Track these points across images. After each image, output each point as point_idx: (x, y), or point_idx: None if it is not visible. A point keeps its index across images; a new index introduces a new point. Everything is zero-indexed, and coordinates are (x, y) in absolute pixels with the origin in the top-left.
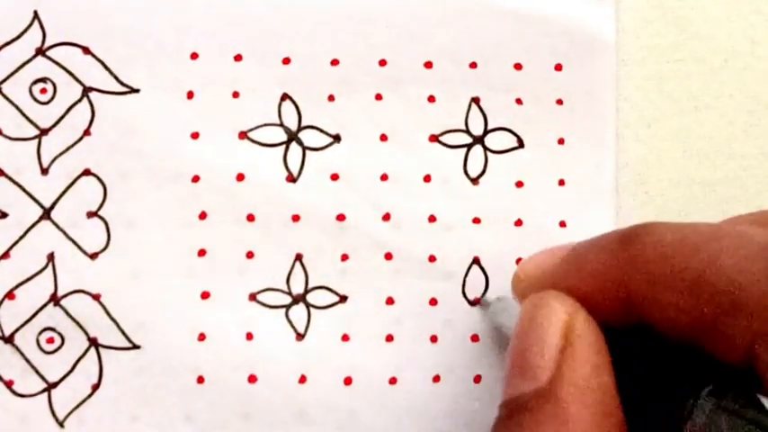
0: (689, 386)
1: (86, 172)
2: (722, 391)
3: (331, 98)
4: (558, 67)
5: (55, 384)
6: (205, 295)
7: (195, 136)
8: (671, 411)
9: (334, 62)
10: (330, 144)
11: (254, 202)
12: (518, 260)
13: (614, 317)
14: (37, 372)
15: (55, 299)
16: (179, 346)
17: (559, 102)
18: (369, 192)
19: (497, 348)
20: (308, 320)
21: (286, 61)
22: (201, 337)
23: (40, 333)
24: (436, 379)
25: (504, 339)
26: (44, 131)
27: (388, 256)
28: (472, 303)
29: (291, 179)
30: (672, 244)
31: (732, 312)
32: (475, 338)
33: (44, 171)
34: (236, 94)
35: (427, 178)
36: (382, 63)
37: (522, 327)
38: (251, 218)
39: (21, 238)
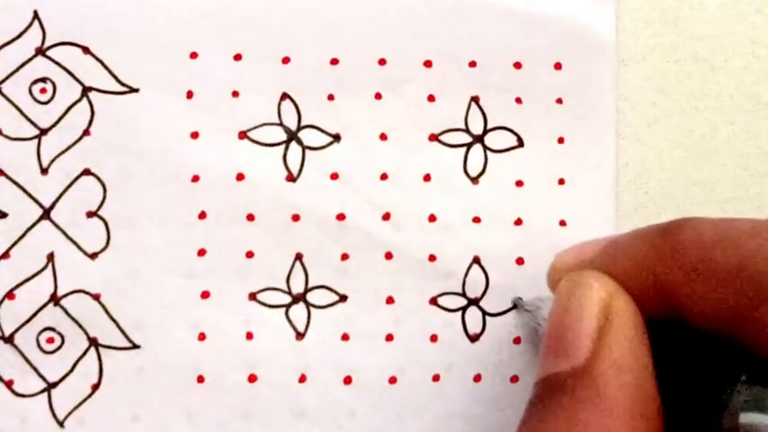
0: (724, 377)
1: (86, 172)
2: (757, 381)
3: (331, 98)
4: (558, 67)
5: (55, 384)
6: (205, 295)
7: (195, 136)
8: (707, 402)
9: (334, 62)
10: (330, 144)
11: (254, 201)
12: (518, 260)
13: (650, 308)
14: (37, 372)
15: (55, 299)
16: (179, 346)
17: (559, 101)
18: (369, 191)
19: (533, 349)
20: (308, 320)
21: (286, 61)
22: (201, 336)
23: (40, 333)
24: (436, 378)
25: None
26: (44, 131)
27: (388, 256)
28: (471, 302)
29: (291, 179)
30: (711, 237)
31: (765, 299)
32: (475, 338)
33: (44, 171)
34: (235, 94)
35: (427, 178)
36: (382, 62)
37: (560, 305)
38: (251, 218)
39: (20, 238)
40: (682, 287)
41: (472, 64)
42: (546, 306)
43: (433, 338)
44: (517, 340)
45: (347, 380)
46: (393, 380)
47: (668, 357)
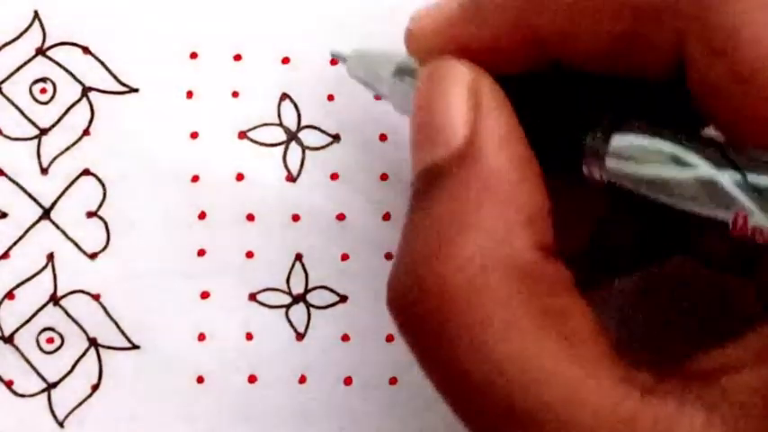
0: (598, 120)
1: (86, 172)
2: (621, 119)
3: (330, 98)
4: None
5: (55, 384)
6: (205, 295)
7: (195, 136)
8: (573, 148)
9: (334, 62)
10: (330, 144)
11: (254, 201)
12: None
13: (522, 62)
14: (37, 372)
15: (55, 299)
16: (179, 346)
17: None
18: (369, 191)
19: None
20: (308, 320)
21: (285, 61)
22: (201, 337)
23: (40, 333)
24: None
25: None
26: (44, 131)
27: (389, 256)
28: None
29: (291, 179)
30: None
31: (656, 16)
32: None
33: (44, 171)
34: (235, 94)
35: None
36: None
37: (424, 93)
38: (251, 218)
39: (20, 238)
40: (557, 28)
41: None
42: (373, 62)
43: None
44: None
45: (347, 380)
46: (393, 380)
47: (541, 113)
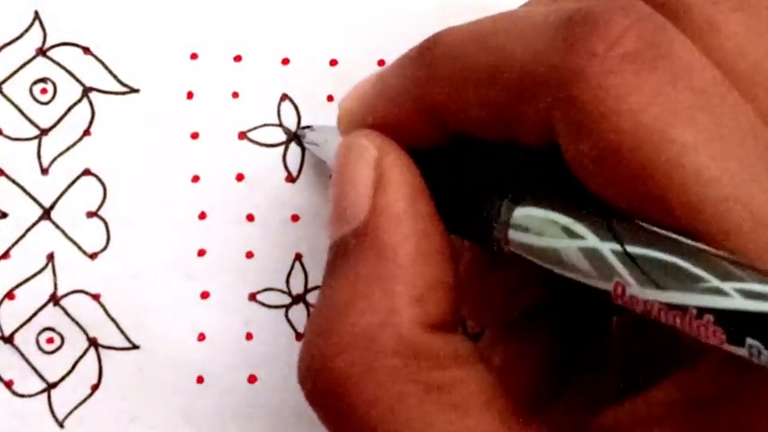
0: (502, 191)
1: (86, 172)
2: (524, 191)
3: (330, 98)
4: None
5: (55, 384)
6: (205, 295)
7: (195, 136)
8: (485, 219)
9: (333, 62)
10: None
11: (253, 201)
12: None
13: (427, 134)
14: (37, 372)
15: (55, 299)
16: (179, 346)
17: None
18: None
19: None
20: None
21: (285, 61)
22: (201, 337)
23: (40, 333)
24: None
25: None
26: (44, 131)
27: None
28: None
29: (291, 179)
30: (464, 43)
31: (527, 92)
32: None
33: (44, 171)
34: (235, 95)
35: None
36: (381, 63)
37: (337, 170)
38: (251, 218)
39: (21, 238)
40: (445, 101)
41: None
42: (331, 139)
43: None
44: None
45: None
46: None
47: (455, 184)
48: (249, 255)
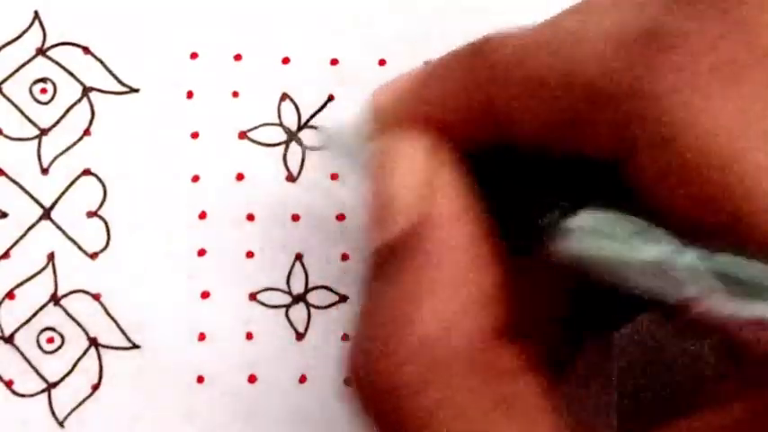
0: (554, 202)
1: (86, 172)
2: (580, 202)
3: (331, 98)
4: None
5: (55, 384)
6: (205, 295)
7: (195, 136)
8: (537, 228)
9: (334, 62)
10: None
11: (253, 201)
12: None
13: (478, 138)
14: (37, 372)
15: (55, 299)
16: (179, 346)
17: None
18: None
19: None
20: (308, 320)
21: (286, 61)
22: (201, 336)
23: (40, 333)
24: None
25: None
26: (44, 131)
27: None
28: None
29: (291, 179)
30: (531, 48)
31: (600, 104)
32: None
33: (44, 171)
34: (235, 94)
35: None
36: (381, 63)
37: (380, 172)
38: (251, 218)
39: (21, 238)
40: (507, 106)
41: None
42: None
43: None
44: None
45: (347, 380)
46: None
47: (504, 190)
48: (249, 255)
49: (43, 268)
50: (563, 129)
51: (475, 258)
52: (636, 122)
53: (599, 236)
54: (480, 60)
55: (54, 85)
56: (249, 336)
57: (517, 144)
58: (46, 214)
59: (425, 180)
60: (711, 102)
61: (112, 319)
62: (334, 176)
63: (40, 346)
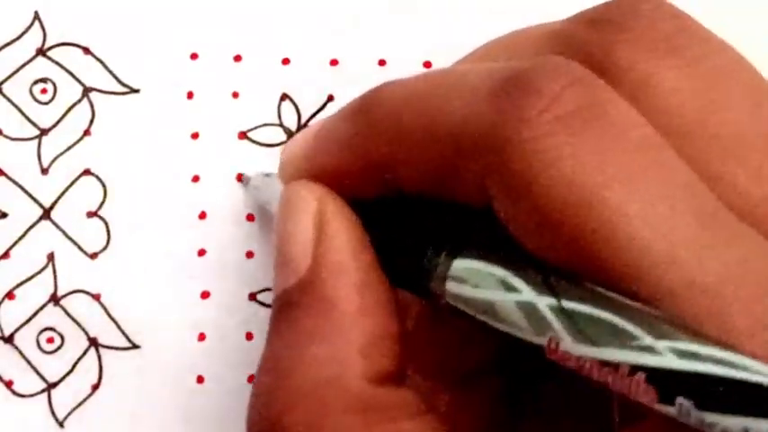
0: (441, 244)
1: (86, 172)
2: (462, 244)
3: (330, 98)
4: None
5: (55, 384)
6: (205, 295)
7: (195, 136)
8: (424, 271)
9: (334, 62)
10: None
11: (253, 201)
12: None
13: (368, 187)
14: (37, 372)
15: (55, 299)
16: (179, 346)
17: None
18: None
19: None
20: None
21: (285, 61)
22: (201, 336)
23: (40, 333)
24: None
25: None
26: (44, 131)
27: None
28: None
29: None
30: (403, 102)
31: (463, 155)
32: None
33: (44, 171)
34: (235, 95)
35: None
36: (381, 63)
37: (279, 221)
38: (250, 218)
39: (21, 238)
40: (386, 157)
41: None
42: (273, 183)
43: None
44: None
45: None
46: None
47: (396, 237)
48: (249, 255)
49: (43, 268)
50: (433, 180)
51: (363, 305)
52: (494, 172)
53: (471, 282)
54: (363, 117)
55: (54, 85)
56: (249, 336)
57: (404, 191)
58: (46, 214)
59: (317, 228)
60: (566, 147)
61: (112, 319)
62: None
63: (39, 347)
